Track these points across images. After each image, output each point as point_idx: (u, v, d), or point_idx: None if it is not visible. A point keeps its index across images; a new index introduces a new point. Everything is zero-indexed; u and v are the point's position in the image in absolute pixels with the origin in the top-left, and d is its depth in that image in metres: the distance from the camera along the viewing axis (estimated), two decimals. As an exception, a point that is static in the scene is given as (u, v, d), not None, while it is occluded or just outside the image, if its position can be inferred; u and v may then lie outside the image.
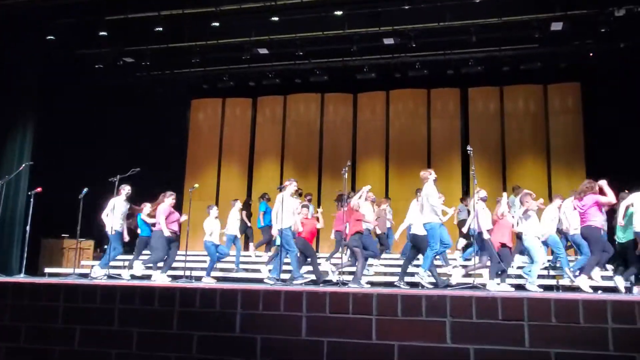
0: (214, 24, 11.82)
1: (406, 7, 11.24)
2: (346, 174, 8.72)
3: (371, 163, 13.87)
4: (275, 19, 11.51)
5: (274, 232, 8.47)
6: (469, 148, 8.30)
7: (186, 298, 5.02)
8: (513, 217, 8.30)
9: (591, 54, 11.98)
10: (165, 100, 14.31)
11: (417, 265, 8.10)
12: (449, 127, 13.65)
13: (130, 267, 9.06)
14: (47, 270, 10.33)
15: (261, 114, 14.86)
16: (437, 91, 13.84)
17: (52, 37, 11.79)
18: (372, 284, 8.75)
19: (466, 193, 12.76)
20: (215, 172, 14.69)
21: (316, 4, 11.41)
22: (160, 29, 11.55)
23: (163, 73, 13.96)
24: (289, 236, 8.17)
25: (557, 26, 11.16)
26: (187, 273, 9.08)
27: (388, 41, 12.16)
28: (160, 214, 8.62)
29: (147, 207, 9.30)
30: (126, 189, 9.30)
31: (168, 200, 8.84)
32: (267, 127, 14.71)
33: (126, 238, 9.39)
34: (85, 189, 8.99)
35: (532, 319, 4.02)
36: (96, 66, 13.08)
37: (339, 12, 11.48)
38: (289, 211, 8.23)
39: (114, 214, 9.03)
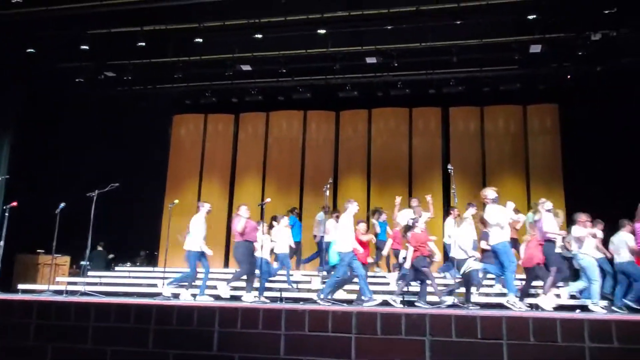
0: (197, 39, 11.84)
1: (389, 27, 11.41)
2: (328, 191, 8.74)
3: (353, 180, 13.89)
4: (259, 36, 11.56)
5: (344, 252, 7.87)
6: (449, 167, 8.38)
7: (163, 315, 4.93)
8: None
9: (569, 77, 12.23)
10: (147, 115, 14.20)
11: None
12: (430, 145, 13.75)
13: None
14: (21, 286, 10.08)
15: (243, 131, 14.82)
16: (419, 110, 13.97)
17: (32, 50, 11.68)
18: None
19: (447, 212, 12.84)
20: (196, 187, 14.57)
21: (300, 22, 11.49)
22: (143, 44, 11.51)
23: (145, 88, 13.89)
24: (354, 258, 7.77)
25: (536, 49, 11.40)
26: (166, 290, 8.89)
27: (370, 60, 12.29)
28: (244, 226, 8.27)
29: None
30: (206, 206, 8.94)
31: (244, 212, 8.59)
32: (249, 143, 14.67)
33: (209, 252, 8.93)
34: (62, 204, 8.85)
35: (511, 338, 4.02)
36: (77, 80, 12.96)
37: (322, 31, 11.59)
38: (350, 232, 7.90)
39: (193, 233, 8.60)
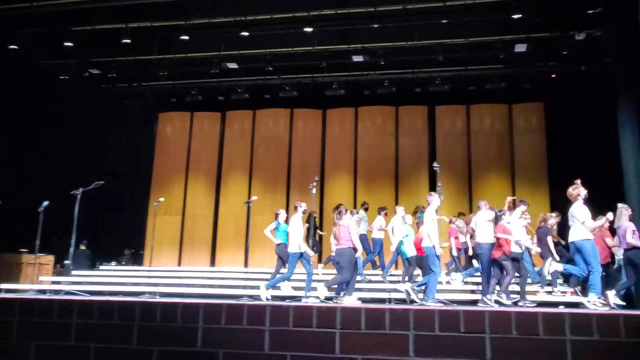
0: (183, 37, 11.79)
1: (375, 26, 11.43)
2: (314, 189, 8.74)
3: (339, 178, 13.90)
4: (245, 34, 11.54)
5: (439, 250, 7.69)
6: (435, 165, 8.41)
7: (146, 312, 4.91)
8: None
9: (553, 76, 12.35)
10: (132, 113, 14.10)
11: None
12: (416, 144, 13.80)
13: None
14: (3, 286, 9.95)
15: (230, 129, 14.77)
16: (405, 108, 14.02)
17: (15, 47, 11.55)
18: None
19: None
20: (182, 186, 14.49)
21: (286, 21, 11.50)
22: (128, 41, 11.43)
23: (130, 85, 13.82)
24: (435, 256, 7.60)
25: (521, 48, 11.50)
26: (149, 289, 8.83)
27: (357, 58, 12.33)
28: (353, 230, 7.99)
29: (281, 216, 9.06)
30: (303, 206, 8.66)
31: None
32: (236, 141, 14.62)
33: (311, 253, 8.70)
34: (45, 202, 8.74)
35: (493, 332, 4.05)
36: (61, 77, 12.84)
37: (309, 29, 11.59)
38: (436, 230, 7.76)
39: (292, 234, 8.37)
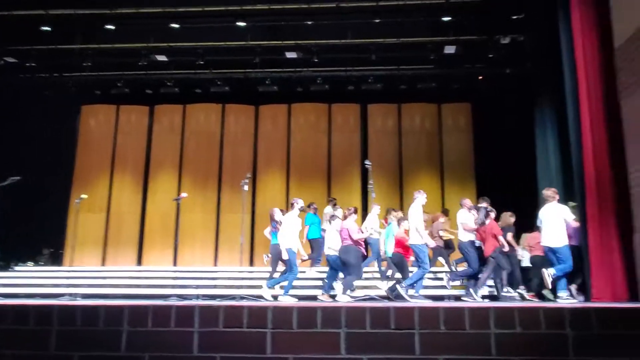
0: (108, 26, 11.26)
1: (309, 23, 11.41)
2: (246, 186, 8.59)
3: (272, 175, 13.79)
4: (175, 25, 11.19)
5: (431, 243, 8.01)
6: (367, 162, 8.49)
7: (65, 316, 4.63)
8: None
9: (480, 77, 12.81)
10: (52, 105, 13.33)
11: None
12: (349, 141, 13.92)
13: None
14: None
15: (158, 123, 14.27)
16: (338, 106, 14.10)
17: None
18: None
19: (365, 207, 13.08)
20: (107, 182, 13.84)
21: (218, 14, 11.24)
22: (48, 28, 10.78)
23: (51, 76, 13.02)
24: (424, 252, 7.81)
25: (450, 49, 11.84)
26: (70, 290, 8.38)
27: (290, 55, 12.26)
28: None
29: (278, 214, 8.78)
30: (299, 202, 8.38)
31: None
32: (165, 136, 14.14)
33: (304, 257, 8.47)
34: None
35: (422, 328, 4.11)
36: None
37: (241, 23, 11.40)
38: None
39: (287, 232, 8.09)
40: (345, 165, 13.74)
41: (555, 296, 7.49)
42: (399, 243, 8.25)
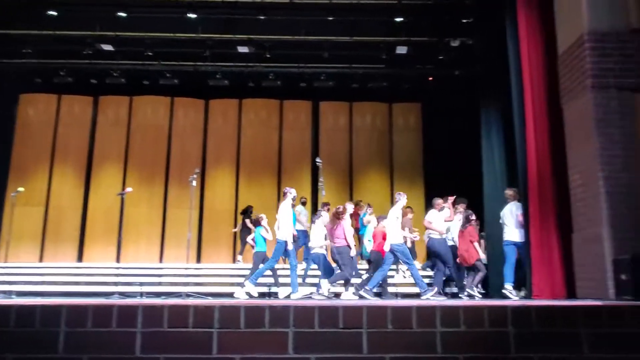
0: (50, 12, 10.75)
1: (262, 18, 11.28)
2: (194, 182, 8.40)
3: (221, 171, 13.57)
4: (123, 14, 10.81)
5: (386, 247, 7.99)
6: (318, 160, 8.48)
7: (-3, 317, 4.36)
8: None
9: (430, 78, 13.04)
10: (-13, 93, 12.63)
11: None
12: (300, 138, 13.88)
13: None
14: None
15: (103, 115, 13.75)
16: (290, 103, 14.03)
17: None
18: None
19: (315, 204, 13.08)
20: (46, 175, 13.23)
21: (169, 4, 10.97)
22: (-15, 11, 10.19)
23: (-13, 62, 12.32)
24: (407, 250, 8.07)
25: (402, 50, 11.98)
26: (4, 288, 7.96)
27: (243, 49, 12.08)
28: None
29: (265, 220, 8.70)
30: (292, 192, 8.27)
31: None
32: (109, 129, 13.65)
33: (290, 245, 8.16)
34: None
35: (370, 327, 4.11)
36: None
37: (192, 15, 11.13)
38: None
39: (282, 222, 8.02)
40: (296, 162, 13.69)
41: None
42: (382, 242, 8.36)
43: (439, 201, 8.74)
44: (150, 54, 11.96)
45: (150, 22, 11.42)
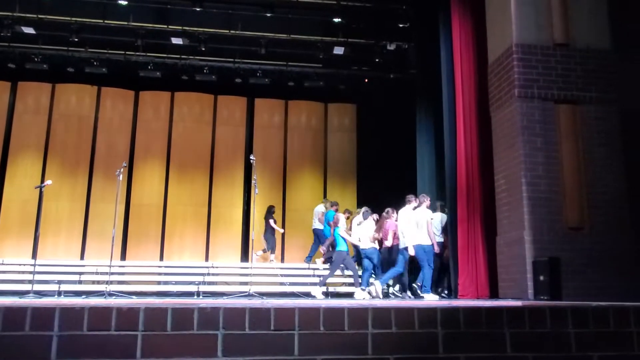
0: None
1: (197, 9, 11.00)
2: (121, 176, 8.05)
3: (150, 165, 13.08)
4: (47, -5, 10.19)
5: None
6: (252, 157, 8.36)
7: None
8: None
9: (366, 80, 13.19)
10: None
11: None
12: (234, 134, 13.64)
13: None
14: None
15: (22, 102, 12.86)
16: (225, 98, 13.75)
17: None
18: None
19: (247, 202, 12.91)
20: (-45, 165, 12.27)
21: (98, -11, 10.44)
22: None
23: None
24: (431, 252, 8.06)
25: (339, 50, 12.06)
26: None
27: (177, 41, 11.73)
28: None
29: (342, 221, 8.82)
30: (427, 200, 8.25)
31: None
32: (29, 117, 12.79)
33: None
34: None
35: (302, 328, 4.06)
36: None
37: (123, 2, 10.69)
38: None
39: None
40: (229, 159, 13.45)
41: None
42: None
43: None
44: (76, 39, 11.33)
45: (77, 6, 10.88)
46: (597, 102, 7.12)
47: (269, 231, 11.75)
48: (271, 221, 11.77)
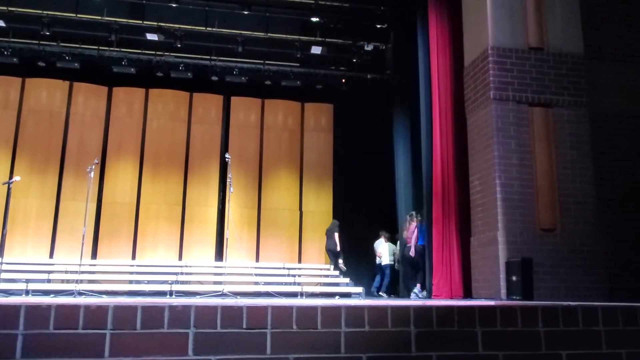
0: None
1: (173, 5, 10.87)
2: (92, 173, 7.88)
3: (123, 163, 12.85)
4: (18, -13, 9.95)
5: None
6: (227, 156, 8.28)
7: None
8: None
9: (343, 80, 13.19)
10: None
11: None
12: (209, 133, 13.48)
13: None
14: None
15: (-10, 96, 12.54)
16: (200, 96, 13.59)
17: None
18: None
19: (222, 201, 12.79)
20: None
21: (71, -19, 10.22)
22: None
23: None
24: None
25: (316, 50, 12.05)
26: None
27: (152, 37, 11.57)
28: None
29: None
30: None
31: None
32: (-2, 112, 12.48)
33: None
34: None
35: (275, 327, 4.02)
36: None
37: (97, -5, 10.49)
38: None
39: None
40: (204, 157, 13.29)
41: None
42: None
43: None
44: (47, 33, 11.08)
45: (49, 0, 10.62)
46: (570, 105, 7.25)
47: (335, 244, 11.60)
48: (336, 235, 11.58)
